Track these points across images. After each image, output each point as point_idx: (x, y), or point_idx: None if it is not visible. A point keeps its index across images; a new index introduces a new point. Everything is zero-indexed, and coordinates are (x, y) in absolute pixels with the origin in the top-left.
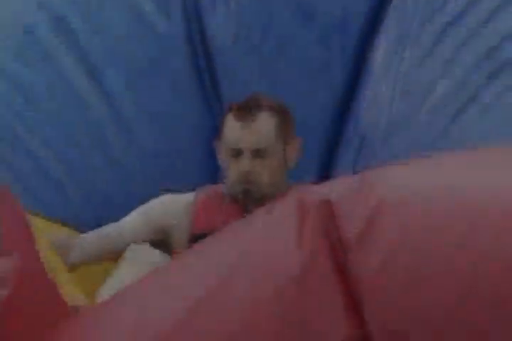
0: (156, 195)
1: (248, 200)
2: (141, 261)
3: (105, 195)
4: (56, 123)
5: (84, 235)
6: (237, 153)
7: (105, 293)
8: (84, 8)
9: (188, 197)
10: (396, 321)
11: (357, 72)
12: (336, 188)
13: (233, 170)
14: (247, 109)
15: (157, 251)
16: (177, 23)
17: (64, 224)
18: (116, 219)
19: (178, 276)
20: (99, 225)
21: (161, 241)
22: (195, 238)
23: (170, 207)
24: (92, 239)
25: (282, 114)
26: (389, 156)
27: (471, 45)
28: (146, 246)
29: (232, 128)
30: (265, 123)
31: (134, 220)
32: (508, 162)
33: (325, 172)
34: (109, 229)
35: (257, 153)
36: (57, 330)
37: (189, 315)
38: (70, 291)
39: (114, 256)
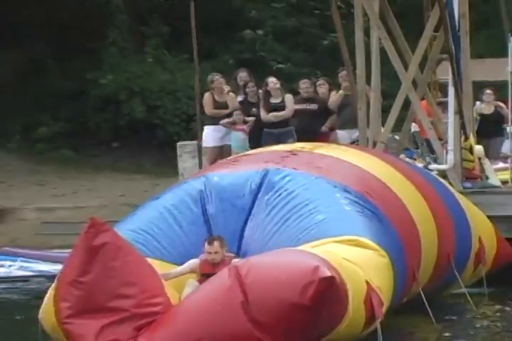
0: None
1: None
2: (193, 285)
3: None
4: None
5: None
6: (209, 253)
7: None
8: None
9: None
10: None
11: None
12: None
13: (206, 256)
14: (210, 242)
15: (196, 282)
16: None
17: None
18: None
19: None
20: None
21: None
22: (202, 275)
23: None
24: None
25: (221, 241)
26: None
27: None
28: (194, 281)
29: (206, 245)
30: (217, 246)
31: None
32: None
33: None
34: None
35: (215, 254)
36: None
37: None
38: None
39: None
